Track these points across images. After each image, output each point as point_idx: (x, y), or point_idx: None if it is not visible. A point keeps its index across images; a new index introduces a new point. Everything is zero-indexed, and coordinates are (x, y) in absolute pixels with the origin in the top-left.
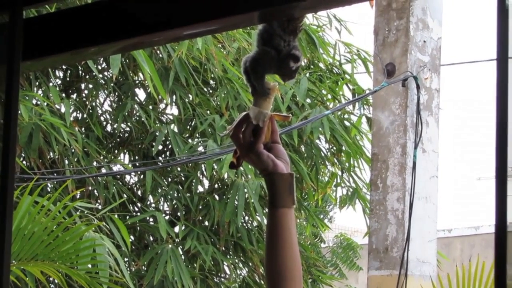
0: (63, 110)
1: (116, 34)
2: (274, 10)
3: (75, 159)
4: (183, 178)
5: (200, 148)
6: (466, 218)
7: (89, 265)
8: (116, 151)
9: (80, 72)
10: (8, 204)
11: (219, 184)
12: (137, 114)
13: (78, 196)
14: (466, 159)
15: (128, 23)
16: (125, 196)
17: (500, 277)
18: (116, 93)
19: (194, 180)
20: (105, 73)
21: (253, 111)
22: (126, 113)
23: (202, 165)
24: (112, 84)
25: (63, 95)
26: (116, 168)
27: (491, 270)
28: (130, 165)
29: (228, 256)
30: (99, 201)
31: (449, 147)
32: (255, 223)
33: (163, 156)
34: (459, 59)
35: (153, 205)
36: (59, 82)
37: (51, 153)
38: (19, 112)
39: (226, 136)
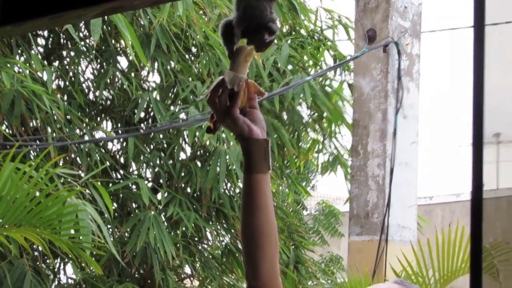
0: (45, 77)
1: None
2: None
3: (58, 127)
4: (165, 145)
5: (182, 115)
6: (447, 185)
7: (72, 231)
8: (98, 119)
9: (62, 39)
10: None
11: (201, 151)
12: (119, 81)
13: (61, 163)
14: (448, 125)
15: None
16: (107, 163)
17: (476, 242)
18: (98, 61)
19: (176, 147)
20: (87, 41)
21: (229, 75)
22: (108, 81)
23: (184, 132)
24: (93, 52)
25: (45, 62)
26: (99, 135)
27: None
28: (112, 132)
29: (211, 223)
30: (81, 168)
31: (431, 113)
32: (237, 190)
33: (145, 123)
34: (441, 26)
35: (135, 172)
36: (41, 49)
37: (33, 121)
38: (0, 78)
39: (204, 100)
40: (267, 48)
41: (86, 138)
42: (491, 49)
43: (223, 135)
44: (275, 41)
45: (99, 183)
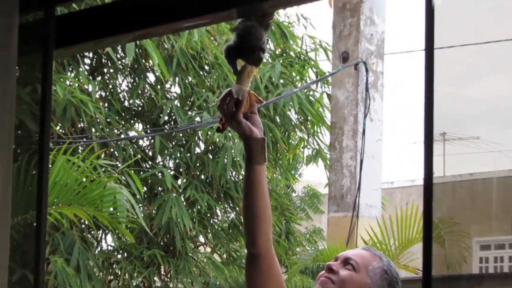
0: (90, 89)
1: (129, 26)
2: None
3: (100, 127)
4: (184, 142)
5: (197, 118)
6: (405, 173)
7: (111, 209)
8: (132, 121)
9: (103, 59)
10: (45, 164)
11: (212, 147)
12: (148, 92)
13: (102, 156)
14: (406, 126)
15: (138, 17)
16: (139, 156)
17: (427, 217)
18: (132, 76)
19: (192, 144)
20: (123, 60)
21: (235, 87)
22: (139, 91)
23: (199, 132)
24: (128, 69)
25: (90, 77)
26: (132, 134)
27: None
28: (142, 132)
29: (219, 203)
30: (118, 160)
31: (393, 116)
32: (240, 177)
33: (168, 124)
34: (400, 49)
35: (160, 163)
36: (87, 67)
37: (81, 123)
38: (56, 89)
39: (214, 107)
40: (260, 63)
41: (122, 136)
42: (439, 66)
43: (230, 134)
44: (269, 60)
45: (132, 171)
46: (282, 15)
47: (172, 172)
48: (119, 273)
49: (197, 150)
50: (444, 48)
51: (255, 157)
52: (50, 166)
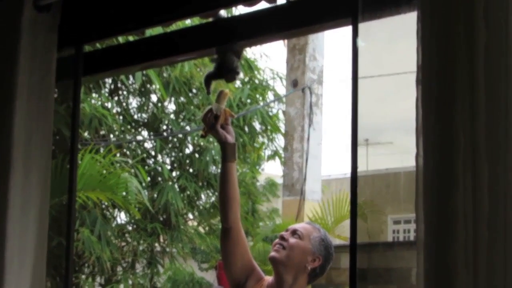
0: (109, 106)
1: (137, 60)
2: (228, 46)
3: (116, 134)
4: (177, 144)
5: (187, 127)
6: (339, 168)
7: (124, 193)
8: (139, 129)
9: (119, 84)
10: (75, 160)
11: (198, 148)
12: (152, 108)
13: (117, 155)
14: (341, 134)
15: (144, 53)
16: (144, 155)
17: (353, 200)
18: (140, 96)
19: (184, 146)
20: (133, 85)
21: (214, 106)
22: (145, 108)
23: (189, 137)
24: (137, 91)
25: (109, 97)
26: (140, 138)
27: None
28: (147, 137)
29: (203, 189)
30: (129, 157)
31: (331, 126)
32: (219, 170)
33: (166, 132)
34: (336, 77)
35: (160, 160)
36: (107, 89)
37: (102, 130)
38: (83, 106)
39: (199, 119)
40: (234, 80)
41: (133, 140)
42: (362, 90)
43: (210, 139)
44: (240, 85)
45: (139, 166)
46: (249, 52)
47: (168, 167)
48: (130, 240)
49: (187, 150)
50: (366, 78)
51: (228, 157)
52: (79, 162)
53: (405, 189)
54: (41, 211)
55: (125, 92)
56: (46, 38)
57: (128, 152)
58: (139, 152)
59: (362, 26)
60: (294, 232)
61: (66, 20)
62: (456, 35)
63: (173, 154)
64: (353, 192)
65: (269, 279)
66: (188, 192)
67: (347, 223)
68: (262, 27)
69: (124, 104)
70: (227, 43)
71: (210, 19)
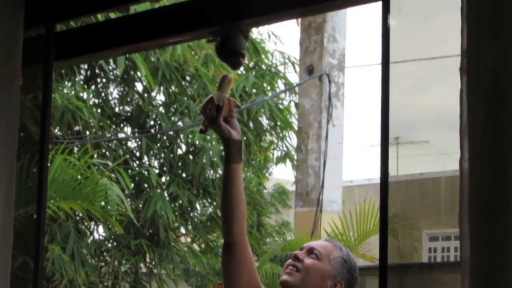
0: (85, 96)
1: (120, 42)
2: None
3: (93, 130)
4: (167, 144)
5: (180, 123)
6: (362, 173)
7: (102, 203)
8: (121, 125)
9: (97, 70)
10: (45, 162)
11: (193, 148)
12: (136, 99)
13: (95, 156)
14: (364, 131)
15: (128, 34)
16: (127, 156)
17: (383, 212)
18: (122, 85)
19: (175, 145)
20: (114, 71)
21: (216, 94)
22: (128, 99)
23: (181, 135)
24: (119, 79)
25: (85, 86)
26: (121, 136)
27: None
28: (131, 135)
29: (199, 198)
30: (109, 159)
31: (354, 122)
32: (217, 175)
33: (154, 128)
34: (360, 62)
35: (147, 162)
36: (82, 77)
37: (76, 126)
38: (54, 97)
39: (198, 111)
40: (240, 66)
41: (113, 138)
42: (393, 78)
43: (208, 138)
44: (243, 71)
45: (121, 169)
46: (255, 32)
47: (157, 171)
48: (109, 260)
49: (179, 151)
50: (398, 63)
51: (233, 157)
52: (49, 164)
53: (445, 199)
54: (4, 224)
55: (104, 80)
56: (10, 15)
57: (107, 153)
58: (121, 152)
59: (394, 1)
60: (310, 251)
61: None
62: None
63: (162, 155)
64: (382, 202)
65: None
66: (181, 202)
67: (373, 240)
68: (273, 3)
69: (103, 94)
70: (231, 22)
71: None
